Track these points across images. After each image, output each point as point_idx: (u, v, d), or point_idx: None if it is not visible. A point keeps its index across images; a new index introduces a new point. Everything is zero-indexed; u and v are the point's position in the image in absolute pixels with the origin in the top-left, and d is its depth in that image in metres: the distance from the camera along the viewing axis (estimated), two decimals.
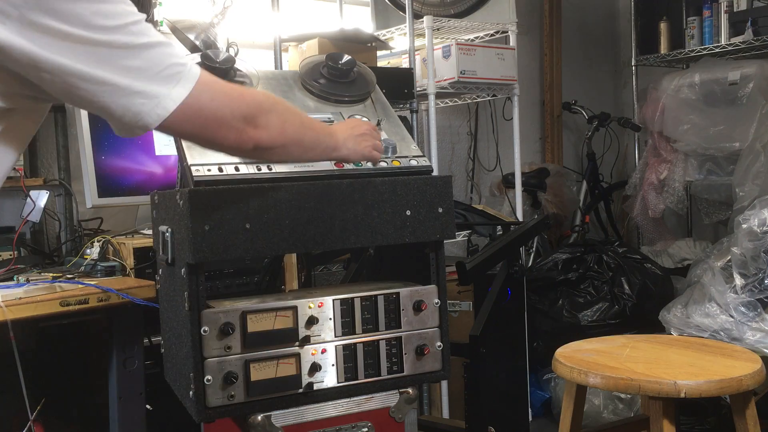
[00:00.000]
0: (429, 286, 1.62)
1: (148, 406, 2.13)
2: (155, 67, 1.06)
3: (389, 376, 1.57)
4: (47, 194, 2.42)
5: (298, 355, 1.49)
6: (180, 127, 1.12)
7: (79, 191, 2.53)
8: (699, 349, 1.95)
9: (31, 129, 1.16)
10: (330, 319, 1.52)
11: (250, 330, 1.45)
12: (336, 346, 1.53)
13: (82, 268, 2.24)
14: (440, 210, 1.60)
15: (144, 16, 1.07)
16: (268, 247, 1.45)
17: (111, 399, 2.08)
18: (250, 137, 1.20)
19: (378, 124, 1.69)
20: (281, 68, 2.80)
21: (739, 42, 3.66)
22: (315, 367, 1.50)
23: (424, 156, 1.68)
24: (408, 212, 1.57)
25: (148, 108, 1.06)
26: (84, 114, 2.40)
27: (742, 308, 2.58)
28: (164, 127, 1.10)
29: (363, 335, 1.55)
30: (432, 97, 3.06)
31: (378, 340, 1.56)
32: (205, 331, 1.41)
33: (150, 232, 2.22)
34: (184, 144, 1.51)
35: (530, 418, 2.66)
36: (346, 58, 1.77)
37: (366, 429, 1.58)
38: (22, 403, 1.92)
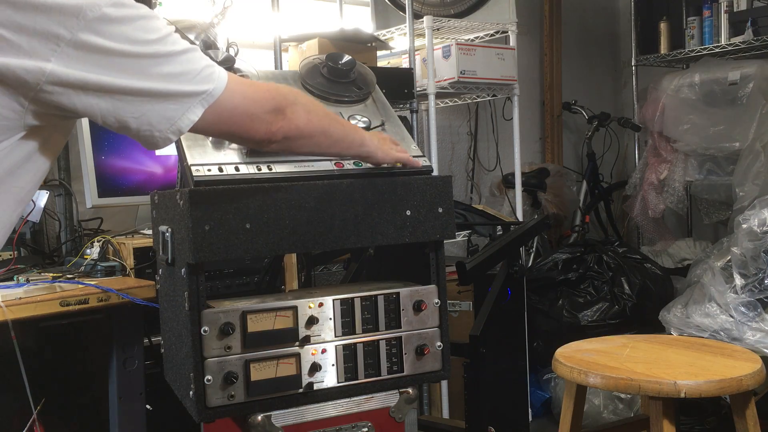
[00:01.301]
0: (429, 286, 1.62)
1: (148, 406, 2.13)
2: (192, 71, 1.12)
3: (389, 376, 1.57)
4: (47, 194, 2.42)
5: (298, 355, 1.49)
6: (215, 126, 1.19)
7: (79, 191, 2.53)
8: (699, 349, 1.95)
9: (61, 141, 1.20)
10: (330, 319, 1.52)
11: (250, 330, 1.45)
12: (336, 346, 1.53)
13: (82, 268, 2.24)
14: (440, 210, 1.60)
15: (174, 27, 1.14)
16: (268, 247, 1.45)
17: (111, 399, 2.08)
18: (279, 128, 1.26)
19: (381, 125, 1.69)
20: (281, 68, 2.80)
21: (739, 42, 3.66)
22: (315, 367, 1.50)
23: (424, 156, 1.67)
24: (408, 212, 1.57)
25: (181, 112, 1.11)
26: None
27: (742, 308, 2.59)
28: (199, 129, 1.15)
29: (363, 335, 1.55)
30: (432, 97, 3.06)
31: (378, 340, 1.56)
32: (205, 331, 1.41)
33: (150, 232, 2.22)
34: (184, 144, 1.51)
35: (530, 418, 2.66)
36: (346, 58, 1.77)
37: (366, 429, 1.58)
38: (22, 403, 1.92)
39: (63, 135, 1.19)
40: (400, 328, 1.58)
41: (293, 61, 3.05)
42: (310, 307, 1.50)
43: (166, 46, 1.10)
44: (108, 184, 2.42)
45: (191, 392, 1.43)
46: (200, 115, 1.13)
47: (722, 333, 2.58)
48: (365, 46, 3.03)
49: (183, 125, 1.12)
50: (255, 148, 1.35)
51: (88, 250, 2.30)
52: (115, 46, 1.04)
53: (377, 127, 1.68)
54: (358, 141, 1.48)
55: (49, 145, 1.14)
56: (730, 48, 3.74)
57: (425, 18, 3.05)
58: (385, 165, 1.57)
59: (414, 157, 1.66)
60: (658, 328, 2.82)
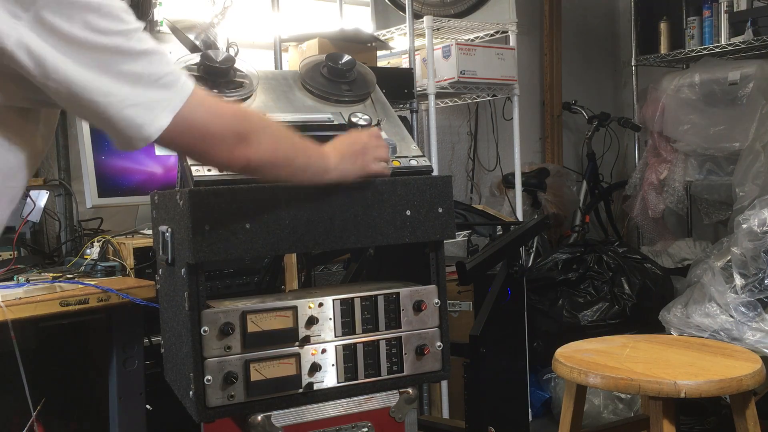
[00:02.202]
0: (429, 286, 1.62)
1: (148, 406, 2.13)
2: (154, 75, 1.06)
3: (389, 376, 1.57)
4: (47, 194, 2.42)
5: (298, 355, 1.49)
6: (177, 139, 1.12)
7: (79, 191, 2.53)
8: (699, 349, 1.95)
9: (32, 131, 1.16)
10: (330, 319, 1.52)
11: (250, 330, 1.45)
12: (336, 346, 1.52)
13: (82, 268, 2.24)
14: (440, 210, 1.60)
15: (142, 25, 1.08)
16: (268, 247, 1.45)
17: (111, 399, 2.08)
18: (242, 154, 1.20)
19: (378, 123, 1.69)
20: (281, 68, 2.80)
21: (739, 42, 3.66)
22: (315, 367, 1.50)
23: (424, 156, 1.67)
24: (408, 212, 1.57)
25: (150, 118, 1.06)
26: None
27: (742, 308, 2.58)
28: (162, 140, 1.10)
29: (363, 335, 1.55)
30: (432, 97, 3.06)
31: (378, 340, 1.56)
32: (205, 331, 1.41)
33: (150, 232, 2.22)
34: None
35: (530, 418, 2.66)
36: (346, 58, 1.77)
37: (366, 429, 1.58)
38: (22, 403, 1.92)
39: (40, 125, 1.16)
40: (400, 328, 1.58)
41: (293, 61, 3.05)
42: (310, 307, 1.50)
43: (127, 42, 1.05)
44: (108, 184, 2.42)
45: (191, 392, 1.43)
46: (167, 124, 1.07)
47: (722, 333, 2.58)
48: (365, 46, 3.03)
49: (152, 132, 1.07)
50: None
51: (88, 250, 2.30)
52: (75, 32, 1.00)
53: (374, 126, 1.68)
54: (322, 169, 1.40)
55: (19, 134, 1.11)
56: (730, 48, 3.74)
57: (425, 18, 3.05)
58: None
59: (414, 157, 1.66)
60: (658, 328, 2.82)
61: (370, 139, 1.51)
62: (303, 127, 1.58)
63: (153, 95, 1.06)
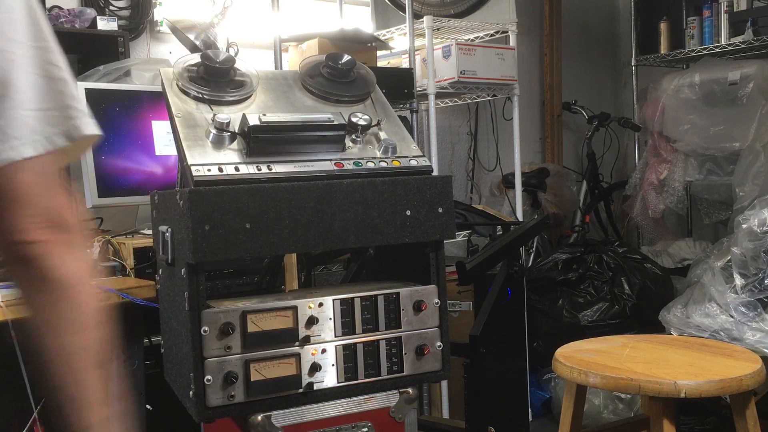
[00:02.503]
0: (429, 286, 1.62)
1: (148, 406, 2.13)
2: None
3: (389, 376, 1.57)
4: None
5: (298, 355, 1.49)
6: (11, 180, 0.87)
7: (79, 191, 2.53)
8: (699, 349, 1.95)
9: None
10: (330, 319, 1.52)
11: (250, 330, 1.45)
12: (336, 346, 1.52)
13: None
14: (440, 210, 1.60)
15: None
16: (268, 247, 1.45)
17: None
18: (42, 240, 0.88)
19: (378, 124, 1.69)
20: (281, 68, 2.80)
21: (739, 42, 3.66)
22: (315, 367, 1.50)
23: (424, 156, 1.67)
24: (408, 212, 1.57)
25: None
26: None
27: (742, 308, 2.58)
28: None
29: (363, 335, 1.55)
30: (432, 97, 3.06)
31: (378, 340, 1.56)
32: (205, 331, 1.41)
33: (150, 232, 2.22)
34: (184, 144, 1.51)
35: (530, 418, 2.66)
36: (346, 58, 1.77)
37: (366, 429, 1.58)
38: (22, 403, 1.91)
39: None
40: (400, 328, 1.58)
41: (293, 61, 3.05)
42: (310, 307, 1.50)
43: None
44: (108, 184, 2.42)
45: (191, 392, 1.43)
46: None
47: (722, 333, 2.58)
48: (365, 46, 3.03)
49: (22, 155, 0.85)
50: None
51: (88, 250, 2.30)
52: None
53: (374, 126, 1.67)
54: (81, 416, 0.99)
55: None
56: (730, 48, 3.74)
57: (425, 18, 3.05)
58: None
59: (414, 157, 1.66)
60: (658, 328, 2.82)
61: None
62: (303, 127, 1.58)
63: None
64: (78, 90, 0.93)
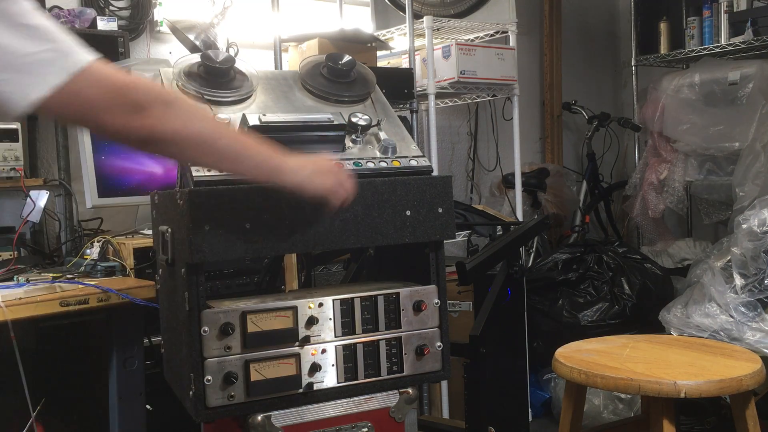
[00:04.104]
0: (429, 286, 1.62)
1: (148, 406, 2.13)
2: (34, 48, 1.05)
3: (389, 376, 1.57)
4: (47, 194, 2.42)
5: (298, 355, 1.49)
6: (60, 110, 1.11)
7: (79, 191, 2.53)
8: (699, 349, 1.95)
9: None
10: (330, 319, 1.52)
11: (250, 330, 1.45)
12: (336, 346, 1.53)
13: (82, 268, 2.24)
14: (440, 210, 1.60)
15: (37, 4, 1.07)
16: (268, 247, 1.45)
17: (111, 399, 2.08)
18: (141, 125, 1.15)
19: (378, 124, 1.69)
20: (281, 68, 2.81)
21: (739, 42, 3.66)
22: (315, 367, 1.50)
23: (424, 156, 1.68)
24: (408, 212, 1.57)
25: (21, 93, 1.05)
26: None
27: (742, 308, 2.58)
28: (40, 111, 1.08)
29: (363, 335, 1.55)
30: (432, 97, 3.06)
31: (378, 340, 1.56)
32: (205, 331, 1.41)
33: (150, 232, 2.22)
34: None
35: (530, 418, 2.66)
36: (346, 58, 1.77)
37: (366, 429, 1.58)
38: (22, 403, 1.92)
39: None
40: (400, 328, 1.58)
41: (293, 61, 3.05)
42: (310, 307, 1.50)
43: (24, 18, 1.05)
44: (108, 184, 2.42)
45: (191, 392, 1.43)
46: (53, 88, 1.06)
47: (722, 333, 2.58)
48: (365, 46, 3.03)
49: (23, 105, 1.05)
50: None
51: (88, 251, 2.30)
52: None
53: (374, 126, 1.68)
54: (271, 166, 1.35)
55: None
56: (730, 48, 3.74)
57: (425, 18, 3.05)
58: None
59: (414, 157, 1.66)
60: (658, 328, 2.82)
61: (341, 170, 1.48)
62: (303, 128, 1.58)
63: (32, 68, 1.05)
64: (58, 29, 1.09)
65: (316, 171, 1.40)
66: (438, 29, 3.19)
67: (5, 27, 1.03)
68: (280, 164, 1.36)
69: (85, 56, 1.10)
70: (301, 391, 1.49)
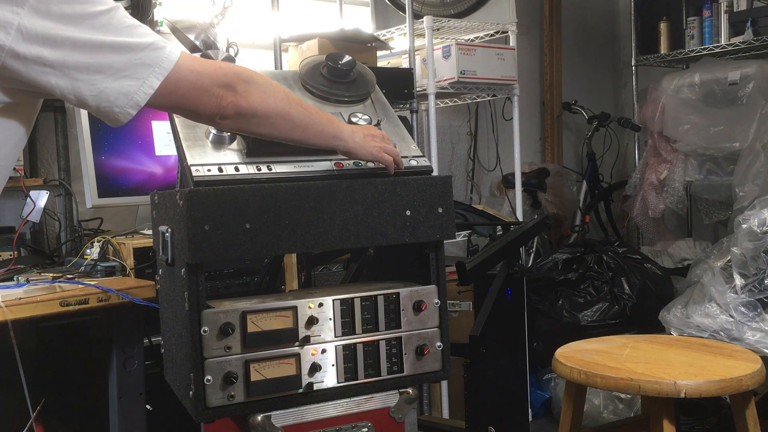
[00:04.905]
0: (429, 286, 1.62)
1: (148, 406, 2.13)
2: (142, 45, 1.16)
3: (389, 376, 1.57)
4: (47, 194, 2.42)
5: (298, 356, 1.49)
6: (167, 99, 1.22)
7: (79, 191, 2.53)
8: (699, 349, 1.95)
9: (32, 114, 1.25)
10: (330, 319, 1.52)
11: (250, 330, 1.45)
12: (336, 346, 1.52)
13: (82, 268, 2.24)
14: (440, 210, 1.60)
15: (120, 2, 1.20)
16: (268, 247, 1.45)
17: (111, 399, 2.08)
18: (229, 102, 1.28)
19: (378, 123, 1.69)
20: (281, 68, 2.80)
21: (739, 42, 3.66)
22: (315, 367, 1.50)
23: (424, 156, 1.67)
24: (408, 212, 1.57)
25: (137, 86, 1.16)
26: (84, 114, 2.40)
27: (742, 308, 2.59)
28: (151, 104, 1.19)
29: (363, 335, 1.55)
30: (432, 97, 3.06)
31: (378, 340, 1.56)
32: (205, 331, 1.41)
33: (150, 232, 2.22)
34: (184, 144, 1.51)
35: (530, 418, 2.66)
36: (346, 58, 1.77)
37: (366, 429, 1.58)
38: (22, 403, 1.92)
39: (33, 108, 1.25)
40: (400, 328, 1.58)
41: (293, 61, 3.05)
42: (310, 307, 1.50)
43: (113, 20, 1.14)
44: (108, 184, 2.42)
45: (191, 392, 1.43)
46: (156, 88, 1.17)
47: (722, 333, 2.58)
48: (365, 46, 3.03)
49: (140, 99, 1.17)
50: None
51: (88, 251, 2.30)
52: (62, 26, 1.09)
53: (374, 126, 1.68)
54: (331, 132, 1.47)
55: (23, 117, 1.20)
56: (730, 48, 3.74)
57: (425, 18, 3.05)
58: (371, 163, 1.56)
59: (414, 157, 1.66)
60: (658, 328, 2.82)
61: (382, 134, 1.59)
62: None
63: (139, 65, 1.15)
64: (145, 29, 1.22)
65: (367, 135, 1.52)
66: (438, 29, 3.19)
67: (114, 32, 1.14)
68: (338, 130, 1.48)
69: (174, 50, 1.21)
70: (301, 391, 1.49)
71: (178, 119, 1.57)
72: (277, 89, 1.39)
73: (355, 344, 1.54)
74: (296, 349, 1.49)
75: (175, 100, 1.23)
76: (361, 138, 1.51)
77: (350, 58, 1.78)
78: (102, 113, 1.17)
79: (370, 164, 1.59)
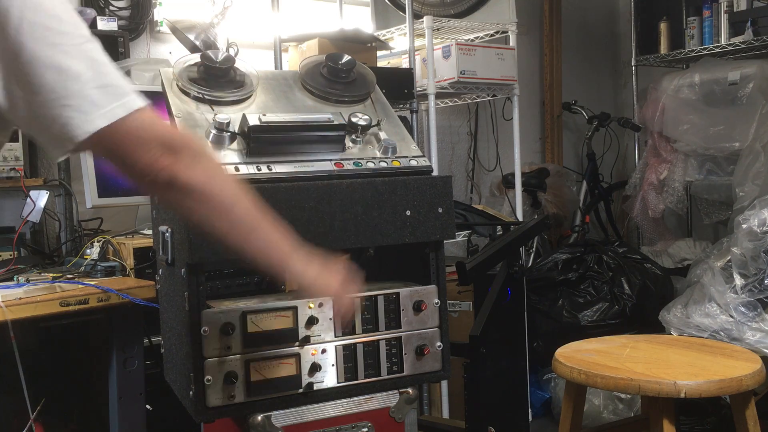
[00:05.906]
0: (429, 286, 1.62)
1: (148, 406, 2.13)
2: (102, 82, 1.05)
3: (389, 376, 1.57)
4: (47, 194, 2.42)
5: (298, 355, 1.49)
6: (101, 144, 1.07)
7: (79, 191, 2.53)
8: (699, 349, 1.95)
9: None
10: (330, 319, 1.52)
11: (250, 330, 1.45)
12: (336, 346, 1.53)
13: (82, 268, 2.24)
14: (440, 210, 1.60)
15: (97, 40, 1.08)
16: None
17: (111, 399, 2.08)
18: (166, 165, 1.09)
19: (378, 124, 1.69)
20: (281, 68, 2.80)
21: (739, 42, 3.66)
22: (315, 367, 1.50)
23: (424, 156, 1.68)
24: (408, 212, 1.57)
25: (80, 121, 1.03)
26: None
27: (742, 308, 2.58)
28: (87, 144, 1.05)
29: (363, 335, 1.55)
30: (432, 97, 3.06)
31: (378, 340, 1.56)
32: (205, 331, 1.41)
33: (150, 232, 2.22)
34: None
35: (530, 418, 2.66)
36: (346, 58, 1.77)
37: (366, 429, 1.58)
38: (22, 404, 1.92)
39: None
40: (400, 328, 1.58)
41: (293, 61, 3.05)
42: (310, 307, 1.50)
43: (92, 53, 1.05)
44: (108, 184, 2.42)
45: (191, 392, 1.43)
46: (112, 122, 1.04)
47: (722, 333, 2.58)
48: (365, 46, 3.03)
49: (78, 134, 1.03)
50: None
51: (88, 251, 2.30)
52: (31, 43, 1.00)
53: (374, 126, 1.67)
54: (278, 253, 1.25)
55: None
56: (730, 48, 3.74)
57: (425, 18, 3.05)
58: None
59: (414, 157, 1.66)
60: (658, 328, 2.82)
61: (348, 276, 1.36)
62: (303, 127, 1.58)
63: (95, 100, 1.04)
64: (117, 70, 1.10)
65: (323, 273, 1.31)
66: (438, 29, 3.19)
67: (74, 57, 1.03)
68: (287, 255, 1.26)
69: (141, 101, 1.09)
70: (301, 391, 1.49)
71: (178, 119, 1.57)
72: (226, 179, 1.21)
73: (355, 344, 1.54)
74: (296, 349, 1.49)
75: (108, 146, 1.08)
76: (316, 275, 1.29)
77: (350, 58, 1.78)
78: (45, 142, 1.06)
79: (370, 164, 1.59)
